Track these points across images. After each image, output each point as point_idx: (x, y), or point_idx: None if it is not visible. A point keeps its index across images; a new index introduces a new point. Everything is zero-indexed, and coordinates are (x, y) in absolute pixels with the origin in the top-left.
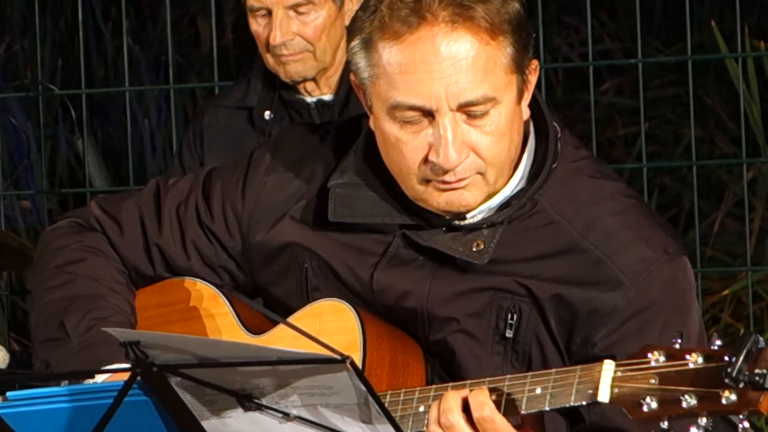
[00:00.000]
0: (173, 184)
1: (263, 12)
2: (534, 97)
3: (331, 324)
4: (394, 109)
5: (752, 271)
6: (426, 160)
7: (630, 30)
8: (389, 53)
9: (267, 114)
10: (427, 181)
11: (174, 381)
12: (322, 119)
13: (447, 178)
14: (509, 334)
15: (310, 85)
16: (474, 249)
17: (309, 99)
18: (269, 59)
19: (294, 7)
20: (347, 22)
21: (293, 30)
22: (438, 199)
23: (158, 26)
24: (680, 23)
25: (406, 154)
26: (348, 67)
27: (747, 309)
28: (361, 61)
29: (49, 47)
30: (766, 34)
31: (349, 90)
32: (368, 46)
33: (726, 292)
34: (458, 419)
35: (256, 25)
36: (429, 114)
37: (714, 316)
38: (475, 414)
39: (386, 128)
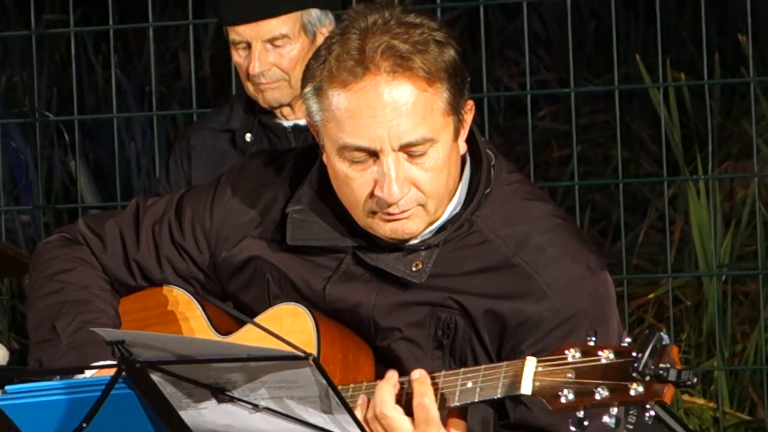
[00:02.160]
0: (151, 204)
1: (243, 45)
2: (470, 130)
3: (290, 325)
4: (342, 149)
5: (672, 277)
6: (372, 194)
7: (564, 62)
8: (337, 100)
9: (248, 136)
10: (373, 213)
11: (155, 376)
12: (298, 141)
13: (391, 210)
14: (446, 342)
15: (286, 110)
16: (413, 269)
17: (285, 123)
18: (249, 87)
19: (271, 41)
20: None
21: (270, 61)
22: (384, 228)
23: (143, 60)
24: (608, 56)
25: (355, 189)
26: None
27: (668, 311)
28: (313, 105)
29: (45, 78)
30: (685, 67)
31: None
32: (319, 93)
33: (650, 296)
34: (391, 410)
35: (238, 57)
36: (374, 154)
37: (639, 317)
38: (416, 400)
39: (336, 166)
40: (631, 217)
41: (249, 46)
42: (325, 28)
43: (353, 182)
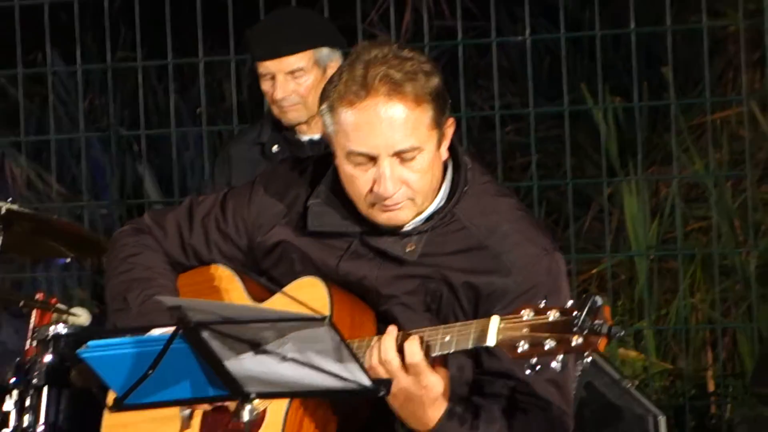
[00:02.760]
0: (201, 201)
1: (270, 76)
2: (452, 142)
3: (309, 294)
4: (349, 154)
5: (610, 256)
6: (372, 190)
7: (524, 89)
8: (345, 116)
9: (275, 148)
10: (373, 204)
11: (204, 333)
12: (313, 152)
13: (386, 203)
14: (434, 307)
15: (303, 127)
16: (407, 249)
17: (303, 138)
18: (275, 109)
19: (291, 73)
20: None
21: (290, 89)
22: (381, 217)
23: (195, 87)
24: (559, 84)
25: (358, 186)
26: None
27: (608, 284)
28: (327, 119)
29: (119, 102)
30: (620, 92)
31: None
32: (331, 110)
33: (593, 271)
34: (393, 356)
35: (265, 86)
36: (373, 158)
37: (584, 288)
38: (408, 359)
39: (344, 168)
40: (578, 210)
41: (274, 77)
42: (333, 63)
43: (357, 181)
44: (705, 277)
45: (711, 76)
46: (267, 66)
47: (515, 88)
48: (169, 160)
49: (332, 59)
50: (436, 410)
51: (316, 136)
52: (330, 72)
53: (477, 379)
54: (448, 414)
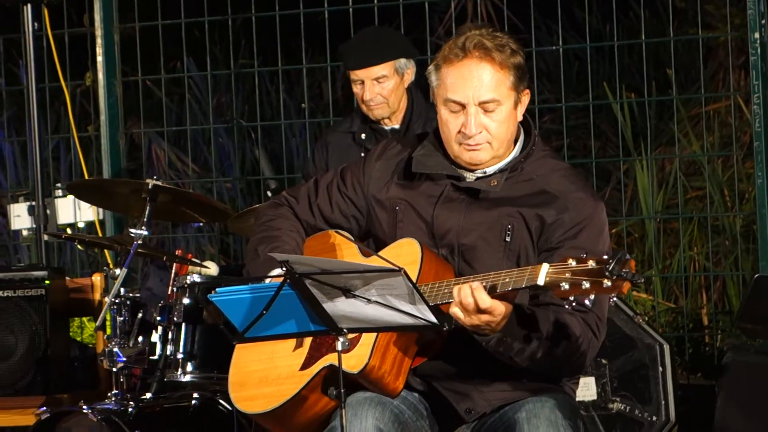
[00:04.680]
0: (324, 175)
1: (359, 81)
2: (526, 117)
3: (406, 252)
4: (446, 101)
5: (626, 219)
6: (460, 131)
7: (558, 87)
8: (446, 71)
9: (363, 136)
10: (460, 144)
11: (307, 282)
12: None
13: (470, 142)
14: (508, 239)
15: (386, 121)
16: (492, 185)
17: (386, 128)
18: (363, 106)
19: (376, 79)
20: (405, 85)
21: (376, 91)
22: (465, 155)
23: (300, 87)
24: (586, 83)
25: (451, 128)
26: (407, 110)
27: (624, 240)
28: (432, 75)
29: (240, 99)
30: (634, 89)
31: (408, 123)
32: (437, 68)
33: (612, 231)
34: (470, 301)
35: (356, 89)
36: (463, 106)
37: None
38: (481, 305)
39: (441, 113)
40: (600, 183)
41: (363, 82)
42: (409, 70)
43: (450, 123)
44: (701, 235)
45: (705, 76)
46: (357, 74)
47: (551, 87)
48: (279, 145)
49: (408, 67)
50: (504, 321)
51: (396, 126)
52: (407, 77)
53: (533, 294)
54: (509, 320)
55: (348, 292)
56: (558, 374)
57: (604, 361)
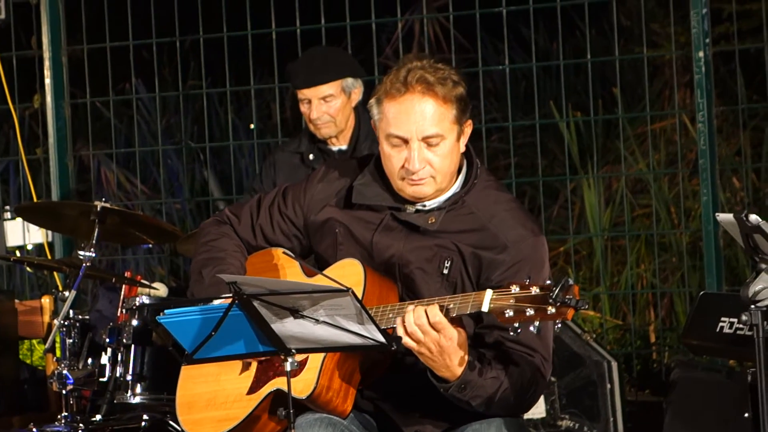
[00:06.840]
0: (267, 195)
1: (307, 101)
2: (468, 148)
3: (349, 272)
4: (388, 136)
5: (573, 237)
6: (403, 166)
7: (505, 107)
8: (388, 106)
9: (311, 156)
10: (403, 179)
11: (255, 303)
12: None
13: (413, 177)
14: (446, 272)
15: (334, 140)
16: (429, 222)
17: (334, 148)
18: (310, 126)
19: (323, 98)
20: (353, 105)
21: (323, 110)
22: (408, 190)
23: (249, 108)
24: (532, 102)
25: (393, 162)
26: (354, 130)
27: (571, 258)
28: (374, 110)
29: (189, 120)
30: (580, 108)
31: (355, 143)
32: (379, 102)
33: (561, 249)
34: (424, 321)
35: (303, 108)
36: (405, 141)
37: (554, 262)
38: (432, 319)
39: (384, 147)
40: (548, 201)
41: (310, 101)
42: (357, 90)
43: (393, 158)
44: (648, 252)
45: (651, 94)
46: (304, 93)
47: (498, 106)
48: (228, 166)
49: (355, 86)
50: (459, 360)
51: (344, 147)
52: (354, 97)
53: (477, 333)
54: (470, 365)
55: (296, 313)
56: (510, 414)
57: (552, 379)
